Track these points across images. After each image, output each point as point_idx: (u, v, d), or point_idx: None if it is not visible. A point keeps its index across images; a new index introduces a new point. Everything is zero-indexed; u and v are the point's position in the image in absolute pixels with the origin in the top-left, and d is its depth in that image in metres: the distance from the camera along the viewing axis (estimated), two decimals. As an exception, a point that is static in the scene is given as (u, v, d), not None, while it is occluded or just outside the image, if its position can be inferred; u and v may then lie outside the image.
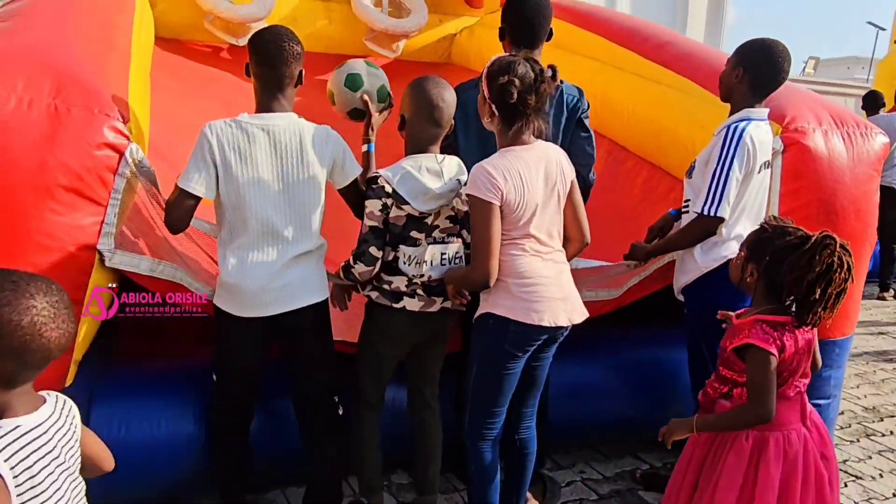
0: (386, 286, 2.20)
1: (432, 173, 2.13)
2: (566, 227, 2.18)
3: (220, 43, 4.84)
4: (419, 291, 2.20)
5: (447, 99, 2.17)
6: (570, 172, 2.16)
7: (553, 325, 2.05)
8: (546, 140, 2.14)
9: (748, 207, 2.45)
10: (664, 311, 2.90)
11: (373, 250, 2.14)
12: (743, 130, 2.33)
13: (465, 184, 2.09)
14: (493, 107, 2.03)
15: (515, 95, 1.98)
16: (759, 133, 2.38)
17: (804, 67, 17.42)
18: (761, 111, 2.43)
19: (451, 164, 2.20)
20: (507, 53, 2.19)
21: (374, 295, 2.23)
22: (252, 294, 2.06)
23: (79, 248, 1.92)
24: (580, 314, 2.14)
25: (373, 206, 2.13)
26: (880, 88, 7.04)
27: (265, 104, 2.09)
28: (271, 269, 2.06)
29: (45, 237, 1.87)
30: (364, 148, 2.41)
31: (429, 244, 2.18)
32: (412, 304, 2.20)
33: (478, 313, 2.12)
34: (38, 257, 1.87)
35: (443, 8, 5.47)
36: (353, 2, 5.05)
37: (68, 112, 1.87)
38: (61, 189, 1.87)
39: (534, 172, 2.03)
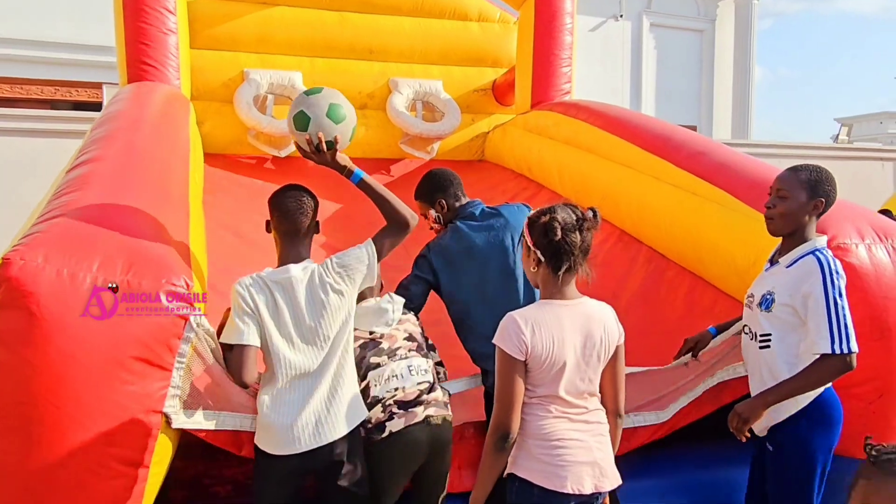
0: (370, 424, 2.30)
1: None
2: (601, 394, 2.08)
3: (263, 155, 5.07)
4: (395, 410, 2.30)
5: None
6: (616, 335, 2.06)
7: (577, 492, 1.94)
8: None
9: None
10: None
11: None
12: (835, 260, 2.26)
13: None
14: (538, 252, 2.01)
15: (559, 232, 1.96)
16: None
17: (838, 134, 17.33)
18: (823, 239, 2.37)
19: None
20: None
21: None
22: (284, 430, 2.17)
23: (146, 412, 1.99)
24: (611, 481, 2.02)
25: None
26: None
27: (285, 255, 2.30)
28: (301, 406, 2.19)
29: (115, 406, 1.94)
30: (354, 180, 2.33)
31: (393, 362, 2.37)
32: (395, 425, 2.28)
33: (505, 472, 2.04)
34: (106, 424, 1.93)
35: (475, 108, 5.65)
36: (389, 109, 5.25)
37: (139, 286, 1.97)
38: (132, 360, 1.95)
39: (569, 330, 1.98)
